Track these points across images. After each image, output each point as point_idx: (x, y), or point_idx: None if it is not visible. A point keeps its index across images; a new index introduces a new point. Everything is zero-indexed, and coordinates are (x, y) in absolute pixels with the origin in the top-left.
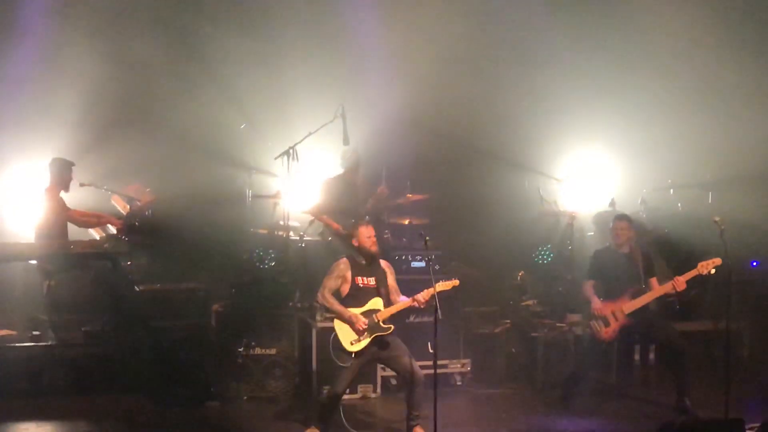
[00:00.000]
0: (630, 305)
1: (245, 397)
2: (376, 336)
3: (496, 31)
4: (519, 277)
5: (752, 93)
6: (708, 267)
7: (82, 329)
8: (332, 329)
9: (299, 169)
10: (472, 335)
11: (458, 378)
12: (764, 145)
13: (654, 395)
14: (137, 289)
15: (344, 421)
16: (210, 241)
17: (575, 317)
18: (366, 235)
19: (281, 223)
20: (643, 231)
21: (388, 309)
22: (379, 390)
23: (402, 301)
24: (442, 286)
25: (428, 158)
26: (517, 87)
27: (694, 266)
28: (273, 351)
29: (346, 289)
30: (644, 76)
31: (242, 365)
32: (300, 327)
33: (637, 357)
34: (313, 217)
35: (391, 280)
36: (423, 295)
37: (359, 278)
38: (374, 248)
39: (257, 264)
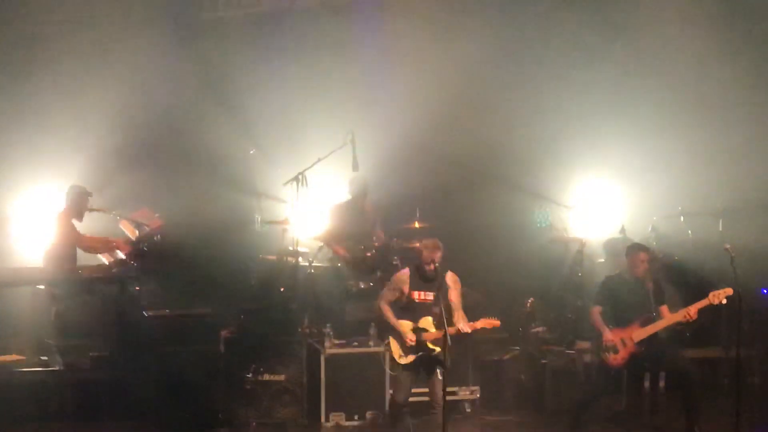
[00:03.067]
0: (640, 333)
1: (253, 423)
2: (421, 355)
3: (504, 58)
4: (528, 304)
5: (764, 120)
6: (720, 297)
7: (90, 354)
8: (340, 356)
9: (308, 195)
10: (481, 362)
11: (467, 405)
12: None
13: (664, 423)
14: (146, 315)
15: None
16: (219, 267)
17: (584, 344)
18: (428, 260)
19: (290, 249)
20: (653, 258)
21: (433, 333)
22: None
23: (453, 328)
24: (484, 323)
25: (437, 184)
26: (527, 114)
27: (705, 295)
28: (281, 377)
29: (402, 300)
30: (655, 104)
31: (250, 391)
32: (308, 353)
33: (647, 384)
34: (322, 244)
35: (453, 295)
36: (468, 326)
37: (416, 293)
38: (431, 271)
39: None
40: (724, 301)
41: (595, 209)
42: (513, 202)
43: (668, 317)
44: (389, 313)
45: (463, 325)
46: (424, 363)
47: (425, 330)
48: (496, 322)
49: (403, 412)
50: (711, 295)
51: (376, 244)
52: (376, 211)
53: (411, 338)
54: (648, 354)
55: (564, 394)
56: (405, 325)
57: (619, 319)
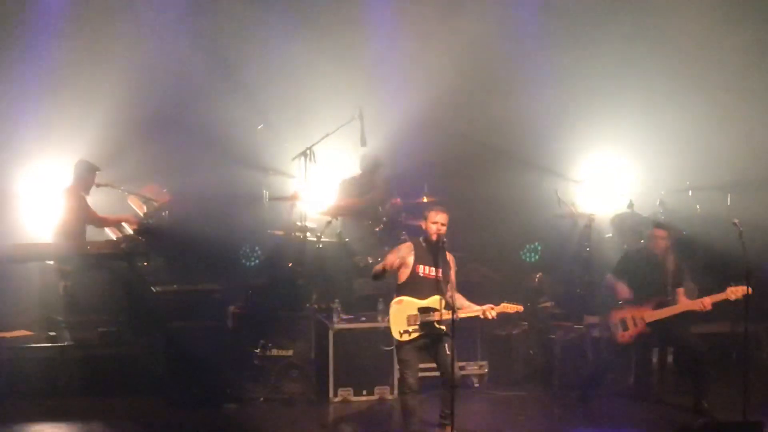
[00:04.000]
0: (652, 315)
1: (261, 399)
2: (426, 332)
3: (512, 32)
4: (537, 279)
5: None
6: (737, 294)
7: (98, 330)
8: (348, 331)
9: (316, 170)
10: (490, 337)
11: (475, 380)
12: None
13: (672, 398)
14: (154, 290)
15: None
16: (227, 243)
17: (593, 319)
18: (431, 220)
19: (298, 224)
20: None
21: (442, 314)
22: (396, 392)
23: (471, 310)
24: (506, 307)
25: (445, 159)
26: (535, 88)
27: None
28: (289, 352)
29: (405, 274)
30: (662, 78)
31: (259, 367)
32: (317, 329)
33: (654, 360)
34: (330, 219)
35: (452, 274)
36: (494, 310)
37: (420, 266)
38: (434, 236)
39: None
40: (741, 298)
41: (604, 184)
42: (521, 177)
43: (683, 304)
44: (378, 267)
45: (486, 308)
46: (428, 342)
47: (434, 309)
48: (519, 307)
49: (416, 399)
50: (729, 290)
51: (385, 219)
52: (386, 185)
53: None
54: (656, 329)
55: (572, 368)
56: (405, 306)
57: (634, 294)
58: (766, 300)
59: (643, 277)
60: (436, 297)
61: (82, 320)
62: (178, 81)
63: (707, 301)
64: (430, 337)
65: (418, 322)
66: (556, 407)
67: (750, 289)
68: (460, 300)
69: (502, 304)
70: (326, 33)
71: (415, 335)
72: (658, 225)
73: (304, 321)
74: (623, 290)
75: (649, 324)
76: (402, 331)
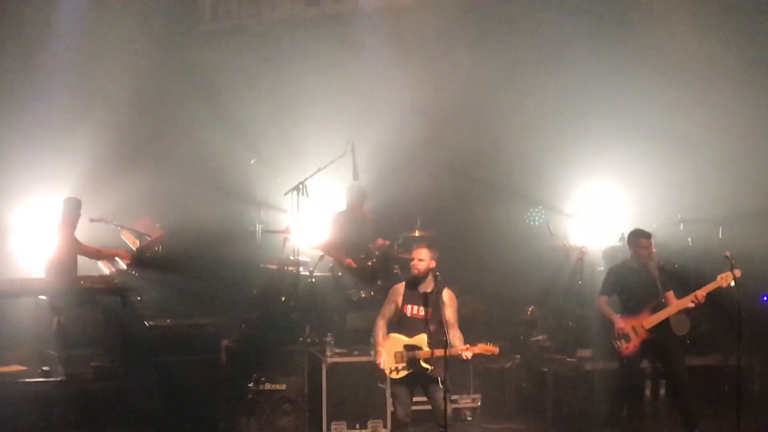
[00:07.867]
0: (650, 320)
1: None
2: (413, 372)
3: (503, 65)
4: (529, 312)
5: (763, 127)
6: (728, 279)
7: (92, 365)
8: (342, 365)
9: (309, 204)
10: (482, 370)
11: (468, 413)
12: None
13: (665, 429)
14: (147, 325)
15: None
16: (220, 277)
17: (586, 352)
18: (416, 257)
19: (291, 258)
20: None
21: (426, 352)
22: (389, 425)
23: (450, 351)
24: (482, 349)
25: (438, 193)
26: (527, 122)
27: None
28: (283, 387)
29: (396, 314)
30: (654, 111)
31: (252, 401)
32: (310, 362)
33: (647, 392)
34: (323, 253)
35: (449, 313)
36: (469, 351)
37: (408, 306)
38: (416, 270)
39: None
40: (733, 283)
41: (595, 217)
42: (513, 210)
43: (676, 303)
44: (378, 332)
45: (462, 348)
46: (418, 380)
47: (419, 348)
48: (495, 350)
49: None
50: (719, 277)
51: (377, 252)
52: (375, 220)
53: (383, 362)
54: (656, 344)
55: (565, 402)
56: (391, 343)
57: (628, 307)
58: (758, 333)
59: (632, 288)
60: (423, 336)
61: (76, 355)
62: (171, 115)
63: (701, 294)
64: (419, 374)
65: (405, 360)
66: None
67: (738, 272)
68: (456, 339)
69: (479, 345)
70: (318, 68)
71: (403, 373)
72: (643, 234)
73: (297, 355)
74: (607, 310)
75: (650, 330)
76: (392, 369)
